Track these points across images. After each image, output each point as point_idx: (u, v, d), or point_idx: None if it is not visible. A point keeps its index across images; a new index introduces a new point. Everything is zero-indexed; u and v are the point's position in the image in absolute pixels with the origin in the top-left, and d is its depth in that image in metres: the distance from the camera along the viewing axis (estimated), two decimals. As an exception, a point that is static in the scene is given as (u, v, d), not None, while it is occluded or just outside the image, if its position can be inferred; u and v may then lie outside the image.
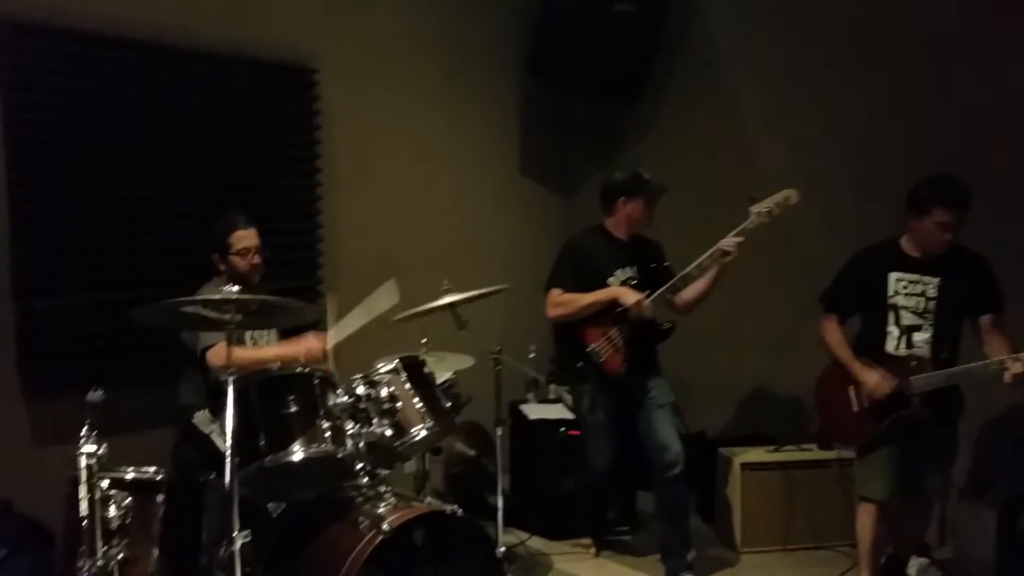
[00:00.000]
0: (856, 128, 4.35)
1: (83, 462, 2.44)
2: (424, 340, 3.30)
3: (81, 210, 3.58)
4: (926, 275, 3.31)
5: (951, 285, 3.29)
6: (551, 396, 4.60)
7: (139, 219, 3.72)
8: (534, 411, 4.42)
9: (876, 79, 4.26)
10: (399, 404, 2.96)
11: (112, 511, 2.58)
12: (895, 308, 3.35)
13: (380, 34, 4.61)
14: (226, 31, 3.92)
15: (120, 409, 2.67)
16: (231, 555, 2.51)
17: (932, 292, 3.31)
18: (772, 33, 4.68)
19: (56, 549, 2.90)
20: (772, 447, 4.33)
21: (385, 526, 2.69)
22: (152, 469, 2.75)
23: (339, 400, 2.89)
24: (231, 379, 2.55)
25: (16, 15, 3.35)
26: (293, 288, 3.55)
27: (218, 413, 3.20)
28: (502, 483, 3.51)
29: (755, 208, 3.50)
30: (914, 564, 3.75)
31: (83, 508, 2.42)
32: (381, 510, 2.81)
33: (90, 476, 2.45)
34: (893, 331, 3.35)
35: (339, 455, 2.85)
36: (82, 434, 2.48)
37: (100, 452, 2.49)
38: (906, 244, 3.37)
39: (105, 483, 2.54)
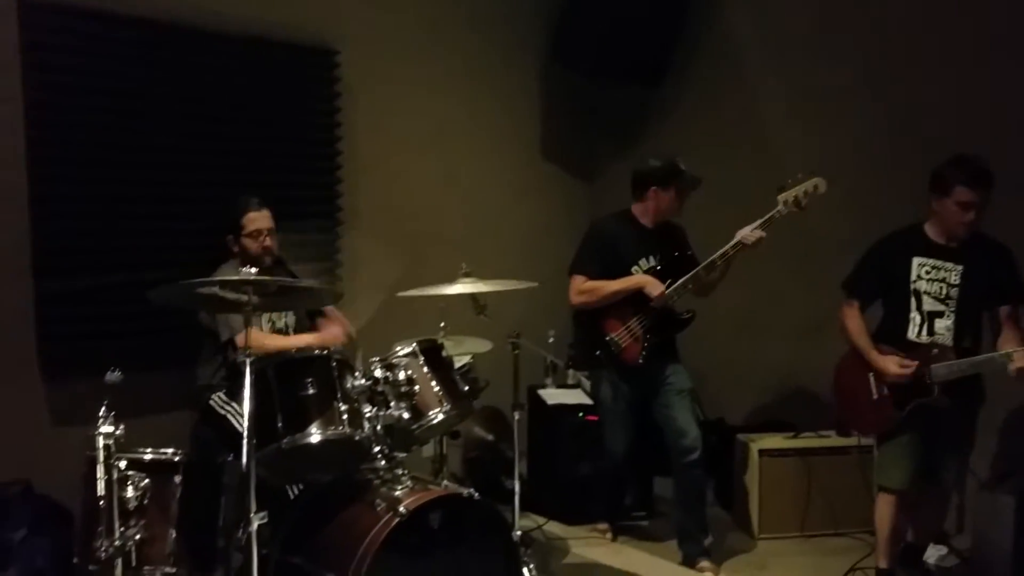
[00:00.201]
0: (882, 114, 4.25)
1: (101, 442, 2.42)
2: (442, 324, 3.24)
3: (100, 191, 3.54)
4: (949, 261, 3.25)
5: (974, 273, 3.22)
6: (569, 381, 4.55)
7: (157, 201, 3.68)
8: (552, 396, 4.38)
9: (903, 62, 4.16)
10: (417, 387, 2.92)
11: (130, 492, 2.58)
12: (917, 293, 3.28)
13: (402, 16, 4.54)
14: (246, 11, 3.87)
15: (138, 391, 2.65)
16: (248, 536, 2.47)
17: (955, 279, 3.24)
18: (795, 16, 4.58)
19: (75, 529, 2.88)
20: (790, 434, 4.26)
21: (402, 508, 2.66)
22: (170, 450, 2.73)
23: (357, 383, 2.85)
24: (248, 361, 2.51)
25: (36, -6, 3.31)
26: (313, 270, 3.51)
27: (235, 395, 3.21)
28: (519, 468, 3.47)
29: (783, 196, 3.44)
30: (932, 552, 3.71)
31: (100, 488, 2.39)
32: (398, 493, 2.78)
33: (107, 456, 2.43)
34: (915, 317, 3.29)
35: (356, 438, 2.80)
36: (100, 415, 2.45)
37: (118, 433, 2.46)
38: (930, 229, 3.30)
39: (123, 464, 2.53)
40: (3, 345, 3.34)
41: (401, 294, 3.23)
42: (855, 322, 3.40)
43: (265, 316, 3.36)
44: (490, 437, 4.25)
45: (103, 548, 2.46)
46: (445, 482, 3.11)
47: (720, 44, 4.88)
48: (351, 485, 2.95)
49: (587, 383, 4.23)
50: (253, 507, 2.46)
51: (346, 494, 2.90)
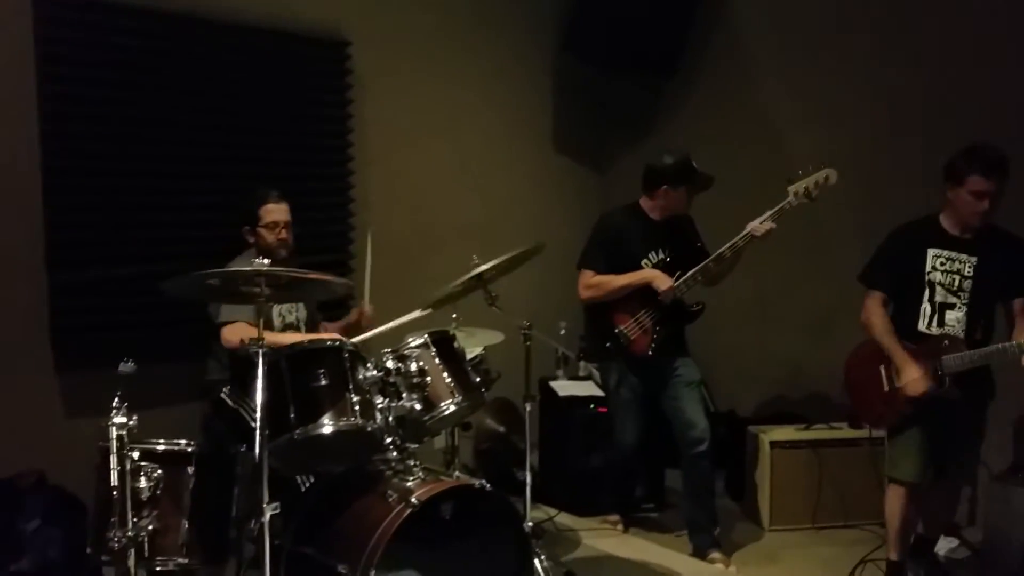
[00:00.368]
0: (896, 106, 4.19)
1: (114, 433, 2.38)
2: (455, 315, 3.20)
3: (114, 183, 3.51)
4: (963, 252, 3.19)
5: (988, 265, 3.16)
6: (581, 373, 4.51)
7: (169, 192, 3.65)
8: (564, 388, 4.35)
9: (916, 55, 4.10)
10: (428, 379, 2.87)
11: (143, 482, 2.55)
12: (931, 285, 3.22)
13: (413, 7, 4.49)
14: (257, 2, 3.83)
15: (151, 382, 2.61)
16: (260, 527, 2.44)
17: (968, 271, 3.18)
18: (806, 9, 4.52)
19: (88, 520, 2.85)
20: (802, 425, 4.21)
21: (414, 499, 2.62)
22: (183, 441, 2.70)
23: (369, 374, 2.81)
24: (261, 352, 2.47)
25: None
26: (324, 262, 3.48)
27: (244, 387, 3.16)
28: (531, 459, 3.43)
29: (793, 187, 3.40)
30: (943, 544, 3.67)
31: (113, 479, 2.36)
32: (410, 483, 2.74)
33: (120, 447, 2.39)
34: (926, 308, 3.24)
35: (368, 429, 2.76)
36: (113, 406, 2.42)
37: (131, 423, 2.42)
38: (944, 220, 3.24)
39: (136, 454, 2.49)
40: (16, 337, 3.32)
41: (432, 300, 3.19)
42: (880, 319, 3.32)
43: (276, 310, 3.32)
44: (501, 429, 4.21)
45: (116, 539, 2.42)
46: (457, 473, 3.08)
47: (731, 35, 4.83)
48: (363, 476, 2.91)
49: (598, 375, 4.19)
50: (266, 498, 2.43)
51: (358, 485, 2.86)
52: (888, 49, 4.20)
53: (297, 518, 2.84)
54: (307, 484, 3.08)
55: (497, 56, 4.88)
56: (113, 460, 2.37)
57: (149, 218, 3.59)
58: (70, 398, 3.40)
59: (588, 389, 4.32)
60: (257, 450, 2.41)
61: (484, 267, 3.07)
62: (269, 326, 3.26)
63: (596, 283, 3.67)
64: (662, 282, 3.56)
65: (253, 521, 2.70)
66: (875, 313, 3.34)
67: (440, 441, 3.56)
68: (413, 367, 2.84)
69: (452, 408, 2.92)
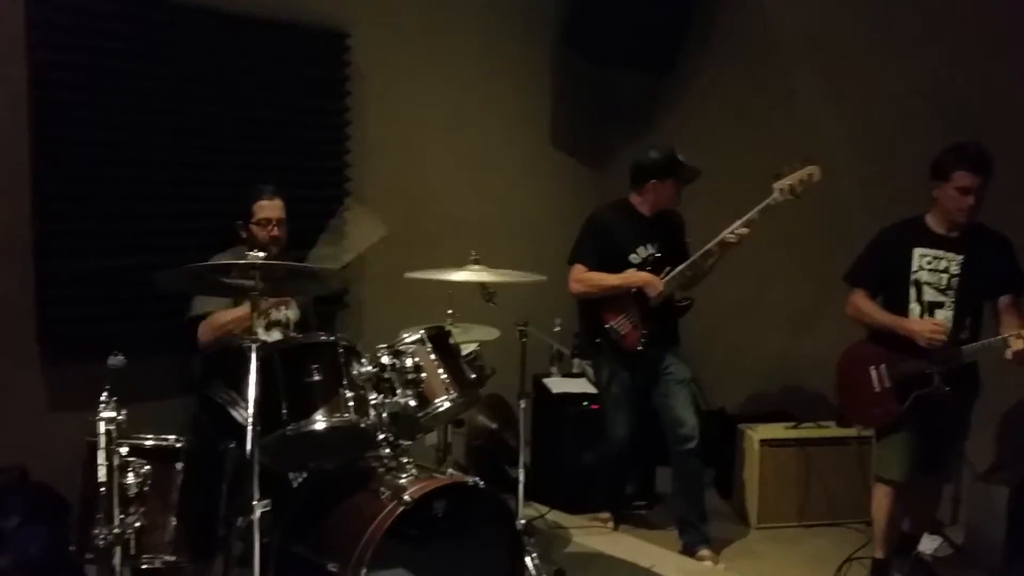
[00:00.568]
0: (887, 105, 4.16)
1: (102, 428, 2.27)
2: (450, 311, 3.12)
3: (104, 172, 3.39)
4: (950, 251, 3.16)
5: (974, 263, 3.14)
6: (575, 370, 4.45)
7: (162, 183, 3.53)
8: (557, 385, 4.29)
9: (911, 56, 4.07)
10: (423, 375, 2.79)
11: (130, 478, 2.43)
12: (918, 284, 3.20)
13: (413, 1, 4.41)
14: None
15: (139, 377, 2.49)
16: (250, 524, 2.35)
17: (955, 269, 3.15)
18: (805, 9, 4.49)
19: (71, 517, 2.74)
20: (790, 424, 4.18)
21: (407, 497, 2.54)
22: (172, 437, 2.59)
23: (363, 369, 2.72)
24: (253, 347, 2.38)
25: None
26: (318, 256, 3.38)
27: (234, 382, 3.07)
28: (525, 455, 3.36)
29: (778, 184, 3.35)
30: (927, 542, 3.65)
31: (101, 474, 2.25)
32: (403, 481, 2.66)
33: (109, 442, 2.29)
34: (915, 308, 3.20)
35: (362, 425, 2.68)
36: (101, 399, 2.32)
37: (119, 418, 2.32)
38: (931, 220, 3.22)
39: (124, 450, 2.38)
40: (1, 328, 3.19)
41: (409, 275, 3.10)
42: (867, 303, 3.30)
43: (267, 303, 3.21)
44: (494, 426, 4.12)
45: (102, 536, 2.32)
46: (450, 470, 3.00)
47: (730, 32, 4.79)
48: (355, 473, 2.83)
49: (592, 372, 4.14)
50: (256, 495, 2.34)
51: (350, 482, 2.78)
52: (881, 49, 4.17)
53: (287, 515, 2.74)
54: (298, 481, 2.99)
55: (496, 51, 4.80)
56: (100, 455, 2.26)
57: (141, 209, 3.48)
58: (55, 392, 3.29)
59: (582, 386, 4.26)
60: (248, 446, 2.31)
61: (484, 279, 3.03)
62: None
63: (587, 278, 3.64)
64: (652, 288, 3.54)
65: (241, 518, 2.62)
66: (861, 301, 3.31)
67: (432, 438, 3.48)
68: (408, 363, 2.76)
69: (447, 404, 2.84)
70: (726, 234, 3.42)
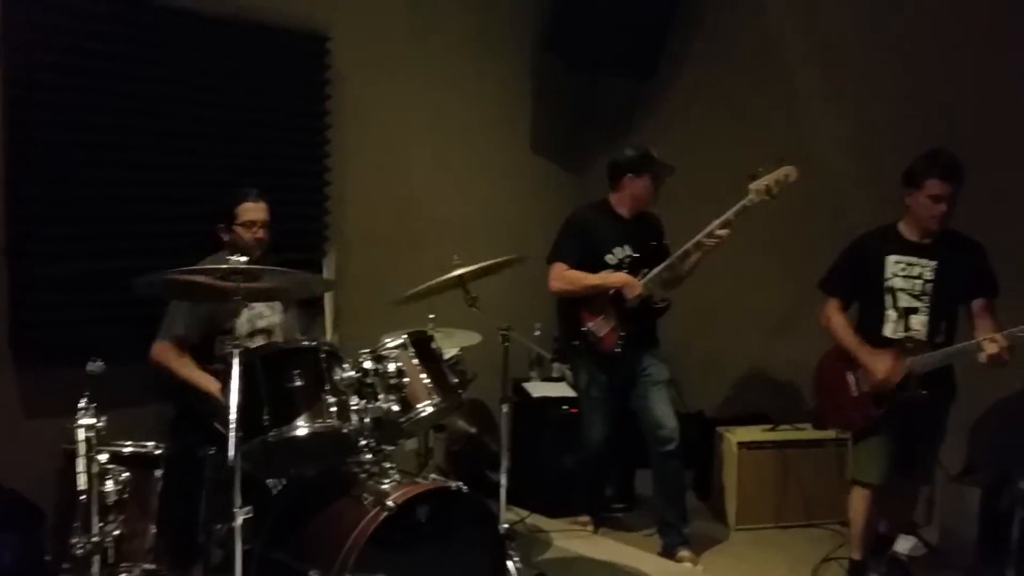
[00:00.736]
0: (867, 112, 4.20)
1: (81, 435, 2.24)
2: (431, 316, 3.10)
3: (79, 176, 3.32)
4: (923, 258, 3.20)
5: (948, 268, 3.18)
6: (554, 374, 4.45)
7: (140, 185, 3.47)
8: (537, 389, 4.29)
9: (891, 62, 4.11)
10: (406, 379, 2.78)
11: (109, 486, 2.40)
12: (892, 291, 3.23)
13: (394, 3, 4.38)
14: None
15: (115, 382, 2.45)
16: (229, 531, 2.33)
17: (929, 275, 3.19)
18: (784, 11, 4.52)
19: (46, 525, 2.69)
20: (768, 426, 4.21)
21: (390, 502, 2.52)
22: (151, 444, 2.56)
23: (345, 374, 2.70)
24: (236, 352, 2.35)
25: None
26: (298, 260, 3.34)
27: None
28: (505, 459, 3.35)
29: (754, 185, 3.37)
30: (902, 543, 3.69)
31: (82, 483, 2.22)
32: (385, 486, 2.64)
33: (88, 450, 2.25)
34: (891, 314, 3.24)
35: (344, 430, 2.66)
36: (80, 406, 2.28)
37: (99, 425, 2.29)
38: (904, 227, 3.26)
39: (104, 457, 2.35)
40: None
41: (404, 295, 3.08)
42: (840, 322, 3.34)
43: (244, 315, 3.15)
44: (473, 430, 4.12)
45: (80, 544, 2.29)
46: (432, 475, 2.98)
47: (710, 38, 4.81)
48: (336, 479, 2.81)
49: (571, 376, 4.13)
50: (238, 501, 2.31)
51: (331, 488, 2.76)
52: (861, 54, 4.21)
53: (268, 522, 2.71)
54: (279, 487, 2.95)
55: (478, 55, 4.78)
56: (80, 463, 2.22)
57: (118, 212, 3.41)
58: (29, 398, 3.20)
59: (561, 390, 4.26)
60: (231, 452, 2.28)
61: (464, 270, 2.99)
62: (232, 331, 3.13)
63: (567, 276, 3.63)
64: (631, 290, 3.54)
65: (221, 526, 2.59)
66: (834, 316, 3.35)
67: (412, 443, 3.46)
68: (391, 368, 2.75)
69: (430, 409, 2.83)
70: (702, 236, 3.44)
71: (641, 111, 5.11)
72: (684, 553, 3.63)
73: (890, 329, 3.23)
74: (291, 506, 2.78)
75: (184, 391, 3.06)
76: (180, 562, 2.60)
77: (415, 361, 2.83)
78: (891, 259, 3.23)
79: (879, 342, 3.23)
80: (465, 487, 2.72)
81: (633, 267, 3.60)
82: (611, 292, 3.59)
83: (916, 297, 3.20)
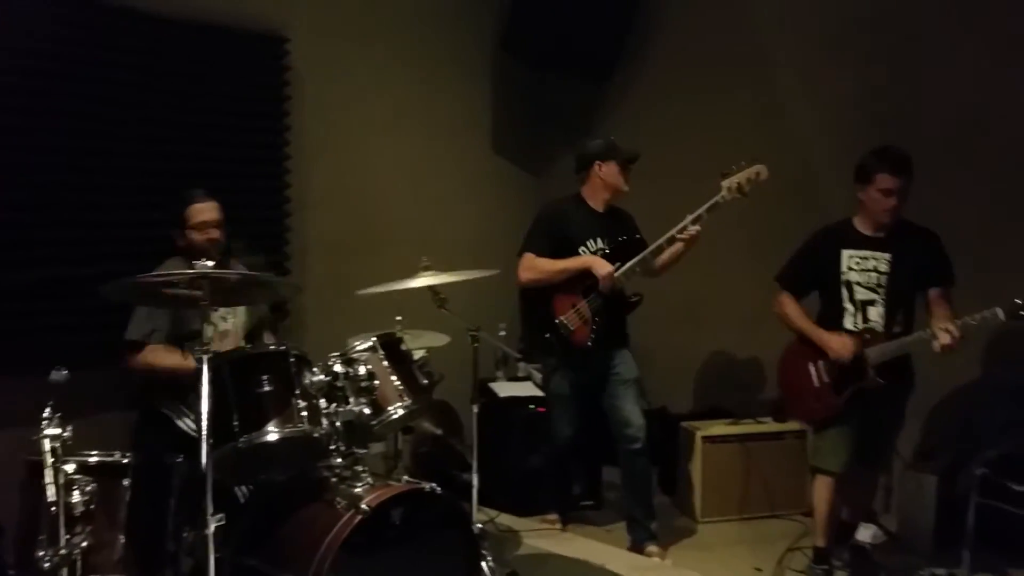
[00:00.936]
0: (829, 109, 4.30)
1: (47, 445, 2.20)
2: (399, 318, 3.10)
3: (36, 181, 3.27)
4: (877, 251, 3.30)
5: (902, 260, 3.28)
6: (520, 374, 4.46)
7: (97, 191, 3.43)
8: (503, 389, 4.31)
9: (853, 61, 4.21)
10: (377, 382, 2.78)
11: (76, 496, 2.36)
12: (849, 284, 3.33)
13: (352, 5, 4.39)
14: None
15: (76, 390, 2.41)
16: (198, 539, 2.34)
17: (884, 267, 3.29)
18: (744, 11, 4.60)
19: (5, 539, 2.63)
20: (731, 420, 4.29)
21: (364, 505, 2.52)
22: (117, 453, 2.53)
23: (315, 378, 2.70)
24: (204, 358, 2.33)
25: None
26: (260, 263, 3.33)
27: (178, 393, 3.01)
28: (471, 461, 3.37)
29: (726, 183, 3.44)
30: (863, 531, 3.77)
31: (50, 494, 2.18)
32: (358, 490, 2.64)
33: (55, 460, 2.21)
34: (849, 307, 3.33)
35: (315, 435, 2.65)
36: (45, 416, 2.24)
37: (65, 435, 2.25)
38: (858, 222, 3.36)
39: (70, 467, 2.31)
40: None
41: (361, 292, 3.07)
42: (793, 307, 3.44)
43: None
44: (439, 432, 4.12)
45: (47, 557, 2.25)
46: (405, 477, 2.98)
47: (668, 37, 4.87)
48: (307, 483, 2.80)
49: (537, 376, 4.15)
50: (211, 508, 2.29)
51: (303, 493, 2.74)
52: (823, 52, 4.29)
53: (238, 529, 2.68)
54: (245, 494, 2.93)
55: (436, 55, 4.80)
56: (48, 474, 2.19)
57: (79, 218, 3.37)
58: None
59: (528, 390, 4.28)
60: (204, 459, 2.26)
61: (436, 282, 3.02)
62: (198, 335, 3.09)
63: (536, 265, 3.65)
64: (601, 267, 3.55)
65: (187, 533, 2.57)
66: (786, 304, 3.45)
67: (379, 446, 3.46)
68: (362, 370, 2.74)
69: (401, 411, 2.83)
70: (674, 231, 3.50)
71: (601, 111, 5.16)
72: (652, 548, 3.69)
73: (849, 322, 3.32)
74: (261, 512, 2.76)
75: (151, 394, 3.02)
76: (149, 572, 2.55)
77: (385, 363, 2.83)
78: (846, 253, 3.32)
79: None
80: (438, 488, 2.72)
81: (607, 260, 3.62)
82: (584, 285, 3.60)
83: (872, 289, 3.29)
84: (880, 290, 3.29)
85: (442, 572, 2.75)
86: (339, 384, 2.74)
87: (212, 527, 2.29)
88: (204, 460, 2.26)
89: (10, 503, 2.48)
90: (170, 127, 3.62)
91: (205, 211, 3.15)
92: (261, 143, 4.01)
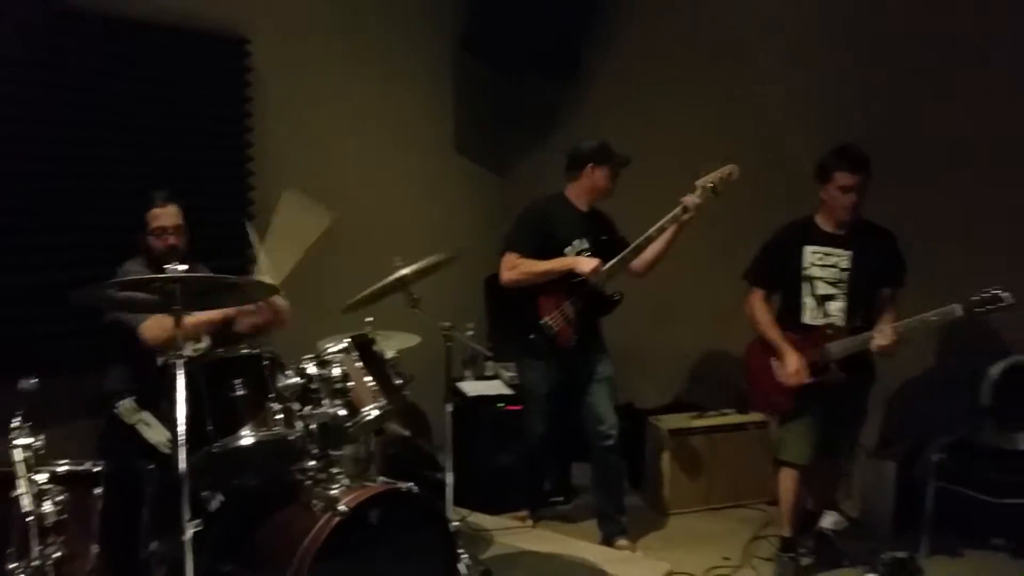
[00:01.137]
0: (792, 109, 4.38)
1: (19, 455, 2.17)
2: (369, 319, 3.11)
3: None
4: (838, 248, 3.40)
5: (862, 257, 3.38)
6: (487, 373, 4.48)
7: (56, 195, 3.36)
8: (472, 388, 4.33)
9: (822, 56, 4.28)
10: (351, 383, 2.80)
11: (48, 507, 2.32)
12: (810, 279, 3.42)
13: (313, 5, 4.37)
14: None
15: (49, 398, 2.39)
16: (171, 547, 2.33)
17: (845, 264, 3.39)
18: (705, 12, 4.66)
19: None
20: (695, 413, 4.38)
21: (342, 507, 2.54)
22: (88, 462, 2.49)
23: (289, 381, 2.70)
24: (179, 363, 2.33)
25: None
26: (224, 267, 3.30)
27: (149, 398, 2.98)
28: (443, 460, 3.39)
29: (699, 182, 3.49)
30: (827, 518, 3.87)
31: (25, 504, 2.15)
32: (334, 492, 2.65)
33: (26, 471, 2.19)
34: (808, 301, 3.43)
35: (290, 437, 2.67)
36: (14, 425, 2.21)
37: (37, 444, 2.22)
38: (819, 219, 3.46)
39: (42, 477, 2.28)
40: None
41: (350, 303, 3.07)
42: (763, 314, 3.53)
43: None
44: (407, 433, 4.13)
45: (19, 569, 2.22)
46: (382, 478, 3.00)
47: (629, 38, 4.91)
48: (282, 487, 2.80)
49: (506, 374, 4.19)
50: (188, 515, 2.30)
51: (278, 496, 2.74)
52: (786, 53, 4.36)
53: (214, 534, 2.67)
54: (214, 500, 2.92)
55: (398, 55, 4.79)
56: (21, 484, 2.16)
57: (42, 223, 3.31)
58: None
59: (496, 388, 4.31)
60: (181, 465, 2.25)
61: (406, 271, 3.01)
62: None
63: (519, 265, 3.64)
64: (585, 265, 3.56)
65: (156, 541, 2.56)
66: (758, 308, 3.53)
67: (349, 448, 3.45)
68: (336, 372, 2.76)
69: (376, 412, 2.85)
70: (653, 231, 3.54)
71: (565, 110, 5.19)
72: (622, 541, 3.75)
73: (809, 316, 3.42)
74: (236, 517, 2.75)
75: (117, 401, 2.99)
76: (123, 580, 2.54)
77: (359, 364, 2.85)
78: (808, 249, 3.42)
79: (799, 328, 3.42)
80: (415, 488, 2.74)
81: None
82: (568, 285, 3.61)
83: (833, 284, 3.39)
84: (841, 285, 3.39)
85: (420, 572, 2.77)
86: (313, 386, 2.75)
87: (189, 533, 2.30)
88: (181, 465, 2.26)
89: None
90: (129, 130, 3.57)
91: (164, 216, 3.11)
92: (223, 145, 3.97)
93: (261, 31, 4.06)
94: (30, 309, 3.20)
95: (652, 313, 4.81)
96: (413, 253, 3.16)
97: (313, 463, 2.78)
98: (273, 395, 2.66)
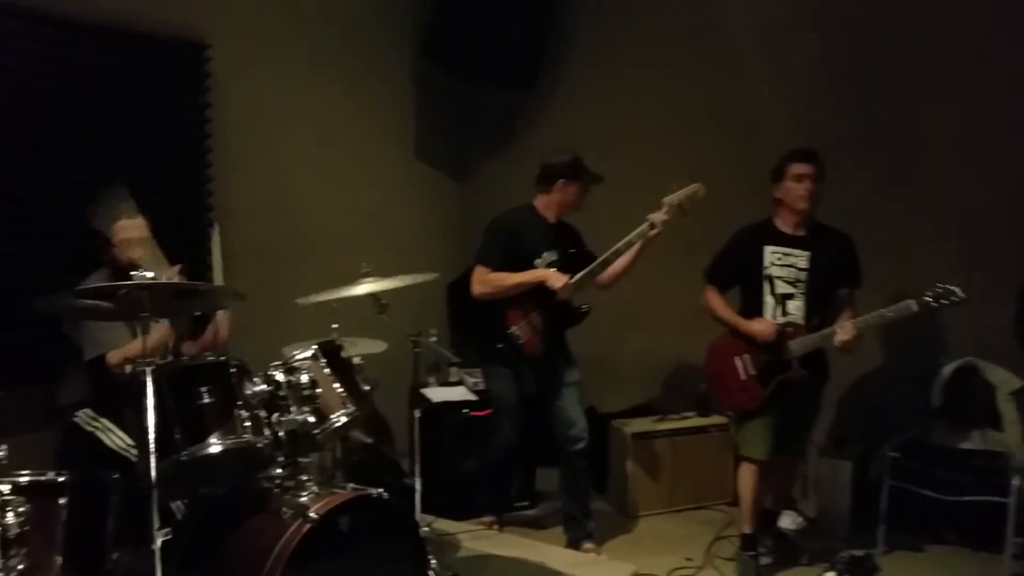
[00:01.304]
0: (753, 118, 4.46)
1: (-18, 468, 2.15)
2: (335, 325, 3.12)
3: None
4: (797, 248, 3.52)
5: (820, 258, 3.51)
6: (452, 379, 4.50)
7: (13, 202, 3.31)
8: (437, 394, 4.32)
9: (788, 62, 4.36)
10: (319, 390, 2.79)
11: (10, 518, 2.30)
12: (770, 279, 3.54)
13: (273, 10, 4.36)
14: (113, 2, 3.58)
15: (4, 409, 2.37)
16: (137, 557, 2.32)
17: (803, 264, 3.51)
18: (667, 19, 4.72)
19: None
20: (657, 417, 4.46)
21: (311, 514, 2.53)
22: (52, 472, 2.46)
23: (257, 388, 2.69)
24: (148, 371, 2.32)
25: None
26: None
27: (108, 408, 2.98)
28: (408, 466, 3.41)
29: (666, 200, 3.56)
30: (785, 518, 4.00)
31: (-7, 517, 2.13)
32: (304, 499, 2.65)
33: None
34: (769, 300, 3.54)
35: (259, 445, 2.65)
36: (-24, 437, 2.19)
37: (0, 455, 2.20)
38: (779, 221, 3.58)
39: (5, 488, 2.26)
40: None
41: (301, 301, 3.07)
42: (718, 300, 3.66)
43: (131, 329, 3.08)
44: (369, 440, 4.13)
45: (-20, 583, 2.20)
46: (351, 485, 3.01)
47: (592, 44, 4.96)
48: (250, 495, 2.79)
49: (470, 380, 4.20)
50: (157, 523, 2.29)
51: (246, 505, 2.74)
52: (748, 61, 4.45)
53: (180, 544, 2.66)
54: (181, 510, 2.90)
55: (358, 61, 4.79)
56: (-14, 497, 2.13)
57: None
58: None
59: (461, 394, 4.32)
60: (152, 472, 2.25)
61: (379, 288, 3.05)
62: None
63: (490, 279, 3.67)
64: (556, 280, 3.60)
65: (120, 552, 2.54)
66: (711, 298, 3.66)
67: (314, 455, 3.45)
68: (304, 379, 2.75)
69: (344, 419, 2.86)
70: (621, 244, 3.60)
71: (525, 117, 5.23)
72: (588, 545, 3.80)
73: (769, 314, 3.53)
74: (203, 526, 2.74)
75: (74, 410, 2.95)
76: (89, 592, 2.51)
77: (327, 371, 2.86)
78: (768, 249, 3.54)
79: (760, 326, 3.52)
80: (386, 494, 2.76)
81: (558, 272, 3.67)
82: (536, 297, 3.65)
83: (792, 284, 3.51)
84: (800, 284, 3.50)
85: (391, 576, 2.79)
86: (281, 393, 2.74)
87: (159, 542, 2.29)
88: (151, 473, 2.26)
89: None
90: (86, 137, 3.54)
91: (129, 228, 3.09)
92: (182, 151, 3.95)
93: (220, 36, 4.04)
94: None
95: (613, 319, 4.87)
96: (374, 259, 3.17)
97: (281, 471, 2.78)
98: (241, 402, 2.64)
